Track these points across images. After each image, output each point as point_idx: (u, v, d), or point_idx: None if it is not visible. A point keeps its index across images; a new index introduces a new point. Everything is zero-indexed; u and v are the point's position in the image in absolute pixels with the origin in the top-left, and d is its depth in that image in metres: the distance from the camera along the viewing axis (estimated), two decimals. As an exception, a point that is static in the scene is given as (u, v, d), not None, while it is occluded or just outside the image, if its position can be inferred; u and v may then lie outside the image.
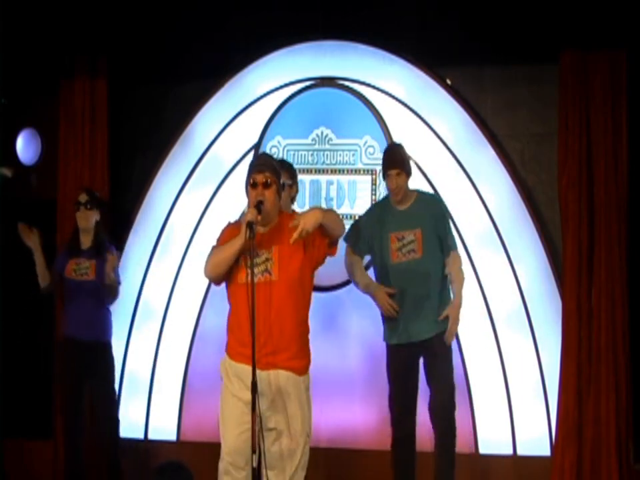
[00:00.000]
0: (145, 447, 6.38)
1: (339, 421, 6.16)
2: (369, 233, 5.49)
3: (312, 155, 6.36)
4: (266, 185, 4.43)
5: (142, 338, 6.50)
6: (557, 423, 5.81)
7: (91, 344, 5.85)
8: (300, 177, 6.27)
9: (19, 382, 6.59)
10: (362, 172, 6.27)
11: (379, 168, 6.21)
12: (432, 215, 5.41)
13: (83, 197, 5.96)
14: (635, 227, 5.83)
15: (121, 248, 6.50)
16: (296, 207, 5.98)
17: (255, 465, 4.24)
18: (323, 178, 6.33)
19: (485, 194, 6.10)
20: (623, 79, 5.77)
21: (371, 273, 5.63)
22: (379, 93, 6.27)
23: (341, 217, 4.54)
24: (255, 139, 6.41)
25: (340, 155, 6.31)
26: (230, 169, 6.47)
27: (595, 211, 5.80)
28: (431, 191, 5.98)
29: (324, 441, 6.09)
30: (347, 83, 6.31)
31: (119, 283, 5.96)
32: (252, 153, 6.40)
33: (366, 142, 6.27)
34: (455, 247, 5.45)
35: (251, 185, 4.46)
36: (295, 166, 6.24)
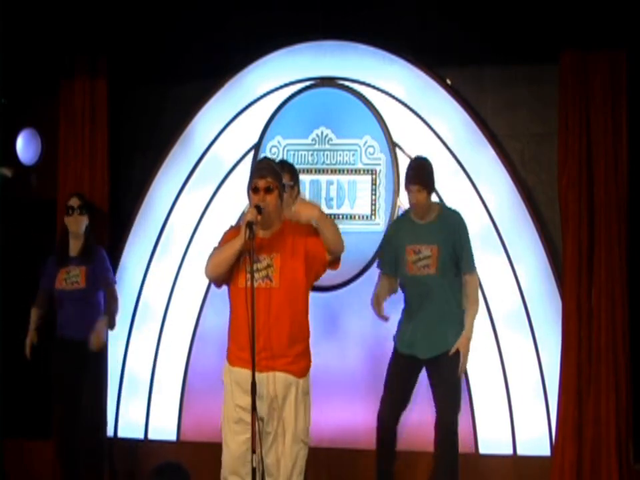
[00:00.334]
0: (145, 447, 6.38)
1: (339, 421, 6.16)
2: (393, 247, 5.48)
3: (312, 154, 6.35)
4: (268, 190, 4.44)
5: (142, 338, 6.50)
6: (557, 423, 5.81)
7: (84, 344, 5.86)
8: (300, 176, 6.29)
9: (19, 382, 6.59)
10: (362, 172, 6.26)
11: (379, 168, 6.22)
12: (451, 232, 5.38)
13: (76, 202, 5.98)
14: (635, 227, 5.83)
15: (121, 248, 6.51)
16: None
17: (254, 464, 4.25)
18: (323, 178, 6.33)
19: (485, 194, 6.10)
20: (622, 79, 5.77)
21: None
22: (379, 92, 6.26)
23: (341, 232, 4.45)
24: (255, 139, 6.41)
25: (340, 155, 6.31)
26: (230, 169, 6.47)
27: (595, 211, 5.80)
28: (432, 195, 5.98)
29: (324, 441, 6.08)
30: (347, 83, 6.31)
31: (114, 282, 6.01)
32: (252, 153, 6.40)
33: (366, 142, 6.26)
34: (472, 269, 5.41)
35: (252, 189, 4.46)
36: (295, 166, 6.26)
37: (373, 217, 6.20)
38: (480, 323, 5.97)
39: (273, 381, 4.37)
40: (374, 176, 6.23)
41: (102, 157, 6.54)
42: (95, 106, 6.54)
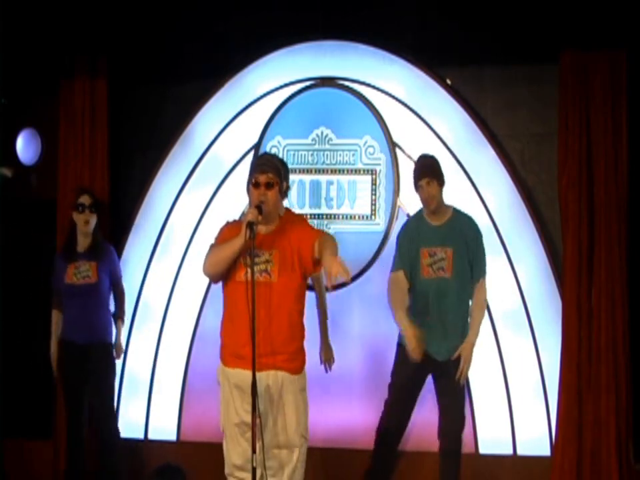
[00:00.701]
0: (145, 447, 6.38)
1: (338, 421, 6.16)
2: (407, 248, 5.40)
3: (312, 154, 6.35)
4: (268, 186, 4.45)
5: (142, 338, 6.50)
6: (557, 423, 5.81)
7: (94, 346, 5.86)
8: (300, 177, 6.31)
9: (19, 382, 6.59)
10: (362, 172, 6.26)
11: (379, 168, 6.22)
12: (464, 236, 5.36)
13: (87, 200, 5.95)
14: (635, 227, 5.83)
15: (121, 248, 6.51)
16: (288, 205, 6.04)
17: (254, 464, 4.26)
18: (323, 178, 6.33)
19: (485, 194, 6.10)
20: (622, 79, 5.77)
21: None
22: (379, 92, 6.26)
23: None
24: (255, 139, 6.41)
25: (340, 155, 6.31)
26: (230, 169, 6.47)
27: (595, 211, 5.80)
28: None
29: (323, 440, 6.09)
30: (347, 83, 6.31)
31: (120, 277, 6.03)
32: (252, 153, 6.40)
33: (366, 142, 6.26)
34: (484, 275, 5.38)
35: (253, 184, 4.47)
36: (295, 166, 6.29)
37: (373, 216, 6.20)
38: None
39: (273, 379, 4.38)
40: (374, 176, 6.23)
41: (102, 157, 6.53)
42: (95, 106, 6.54)
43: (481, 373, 6.00)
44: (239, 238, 4.34)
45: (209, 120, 6.51)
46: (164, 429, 6.45)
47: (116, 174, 6.64)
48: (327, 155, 6.33)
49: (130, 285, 6.42)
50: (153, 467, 6.13)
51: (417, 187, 5.38)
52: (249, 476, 4.33)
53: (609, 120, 5.78)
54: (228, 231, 4.54)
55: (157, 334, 6.48)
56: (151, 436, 6.46)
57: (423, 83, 6.22)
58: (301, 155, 6.37)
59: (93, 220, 5.98)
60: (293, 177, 6.30)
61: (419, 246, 5.36)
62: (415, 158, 6.02)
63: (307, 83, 6.37)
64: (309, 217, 6.28)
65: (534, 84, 6.15)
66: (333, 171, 6.32)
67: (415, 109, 6.22)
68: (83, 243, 5.99)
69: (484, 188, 6.11)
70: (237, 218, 4.70)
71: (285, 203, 6.20)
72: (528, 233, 6.04)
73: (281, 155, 6.30)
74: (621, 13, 5.72)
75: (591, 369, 5.76)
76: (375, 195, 6.22)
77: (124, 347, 6.19)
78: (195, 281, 6.25)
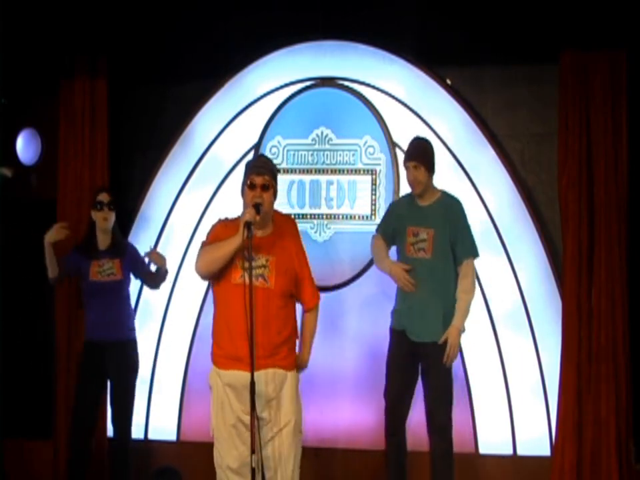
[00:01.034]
0: (145, 447, 6.37)
1: (337, 421, 6.15)
2: (394, 220, 5.52)
3: (312, 155, 6.35)
4: (264, 188, 4.45)
5: (142, 338, 6.47)
6: (557, 423, 5.81)
7: (117, 343, 5.82)
8: (300, 177, 6.31)
9: (19, 382, 6.59)
10: (362, 172, 6.26)
11: (379, 168, 6.22)
12: (448, 217, 5.38)
13: (106, 197, 5.90)
14: (635, 227, 5.83)
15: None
16: (289, 205, 6.05)
17: (254, 465, 4.26)
18: (322, 178, 6.33)
19: (485, 194, 6.10)
20: (622, 79, 5.77)
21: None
22: (379, 92, 6.27)
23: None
24: (255, 139, 6.41)
25: (340, 155, 6.31)
26: (230, 169, 6.47)
27: (595, 211, 5.80)
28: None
29: (323, 440, 6.09)
30: (346, 83, 6.31)
31: (148, 269, 6.01)
32: (252, 153, 6.40)
33: (366, 142, 6.26)
34: (469, 255, 5.37)
35: (248, 185, 4.47)
36: (295, 166, 6.30)
37: (373, 216, 6.20)
38: (480, 323, 5.99)
39: (271, 378, 4.40)
40: (374, 176, 6.23)
41: (102, 157, 6.53)
42: (95, 106, 6.53)
43: (481, 373, 6.01)
44: (236, 237, 4.34)
45: (209, 120, 6.51)
46: (164, 428, 6.44)
47: (116, 174, 6.63)
48: (327, 155, 6.33)
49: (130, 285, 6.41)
50: (153, 467, 6.16)
51: (405, 166, 5.45)
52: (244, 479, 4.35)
53: (609, 120, 5.78)
54: (221, 229, 4.53)
55: (157, 334, 6.48)
56: (151, 436, 6.46)
57: (423, 83, 6.22)
58: (301, 155, 6.37)
59: (112, 217, 5.93)
60: (293, 177, 6.33)
61: (406, 223, 5.43)
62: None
63: (307, 83, 6.38)
64: (308, 217, 6.29)
65: (534, 84, 6.16)
66: (333, 171, 6.32)
67: (415, 109, 6.22)
68: (103, 241, 5.95)
69: (484, 188, 6.11)
70: (229, 216, 4.67)
71: (285, 203, 6.27)
72: (528, 233, 6.04)
73: (281, 155, 6.31)
74: (620, 13, 5.72)
75: (591, 368, 5.75)
76: (375, 195, 6.22)
77: (163, 258, 5.94)
78: (195, 280, 6.23)
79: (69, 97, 6.56)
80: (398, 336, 5.39)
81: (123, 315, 5.88)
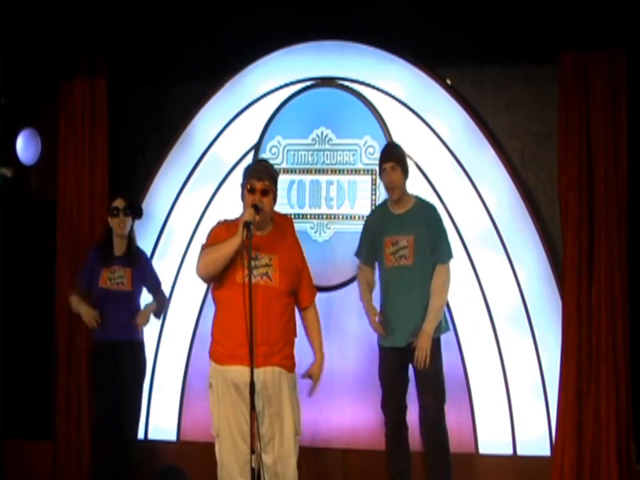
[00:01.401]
0: (145, 447, 6.37)
1: (338, 421, 6.15)
2: (370, 237, 5.54)
3: (312, 155, 6.35)
4: (264, 193, 4.47)
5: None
6: (557, 423, 5.81)
7: (125, 343, 5.80)
8: (300, 177, 6.31)
9: (19, 382, 6.59)
10: (362, 172, 6.26)
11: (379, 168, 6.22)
12: (426, 222, 5.40)
13: (121, 203, 5.85)
14: (635, 227, 5.83)
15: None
16: (289, 205, 6.03)
17: (254, 465, 4.27)
18: (322, 178, 6.33)
19: (485, 194, 6.10)
20: (622, 78, 5.77)
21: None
22: (379, 93, 6.26)
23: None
24: (255, 139, 6.41)
25: (340, 155, 6.31)
26: (230, 169, 6.47)
27: (595, 211, 5.80)
28: (432, 195, 5.99)
29: (323, 441, 6.09)
30: (346, 83, 6.31)
31: (159, 284, 6.00)
32: (252, 153, 6.40)
33: (366, 142, 6.26)
34: (444, 260, 5.40)
35: (248, 190, 4.49)
36: (295, 166, 6.30)
37: (373, 217, 6.19)
38: (480, 323, 5.99)
39: (270, 375, 4.40)
40: (374, 176, 6.22)
41: (102, 157, 6.53)
42: (95, 106, 6.53)
43: (481, 373, 6.01)
44: (235, 237, 4.35)
45: (209, 120, 6.51)
46: (164, 428, 6.45)
47: (116, 174, 6.63)
48: (327, 155, 6.33)
49: (130, 285, 6.42)
50: (153, 467, 6.16)
51: (381, 170, 5.46)
52: None
53: (609, 120, 5.78)
54: (220, 230, 4.55)
55: (157, 334, 6.48)
56: (151, 436, 6.46)
57: (423, 83, 6.22)
58: (301, 155, 6.37)
59: (128, 222, 5.89)
60: (293, 177, 6.33)
61: (383, 235, 5.45)
62: (415, 158, 6.05)
63: (307, 83, 6.38)
64: (308, 217, 6.29)
65: (534, 84, 6.16)
66: (333, 171, 6.32)
67: (415, 109, 6.22)
68: (119, 247, 5.91)
69: (484, 188, 6.11)
70: (228, 218, 4.68)
71: (285, 203, 6.27)
72: (528, 233, 6.04)
73: (281, 155, 6.31)
74: (620, 13, 5.72)
75: (591, 368, 5.75)
76: (375, 195, 6.22)
77: (146, 321, 5.89)
78: (195, 280, 6.23)
79: (68, 96, 6.56)
80: (384, 354, 5.45)
81: (129, 319, 5.85)
